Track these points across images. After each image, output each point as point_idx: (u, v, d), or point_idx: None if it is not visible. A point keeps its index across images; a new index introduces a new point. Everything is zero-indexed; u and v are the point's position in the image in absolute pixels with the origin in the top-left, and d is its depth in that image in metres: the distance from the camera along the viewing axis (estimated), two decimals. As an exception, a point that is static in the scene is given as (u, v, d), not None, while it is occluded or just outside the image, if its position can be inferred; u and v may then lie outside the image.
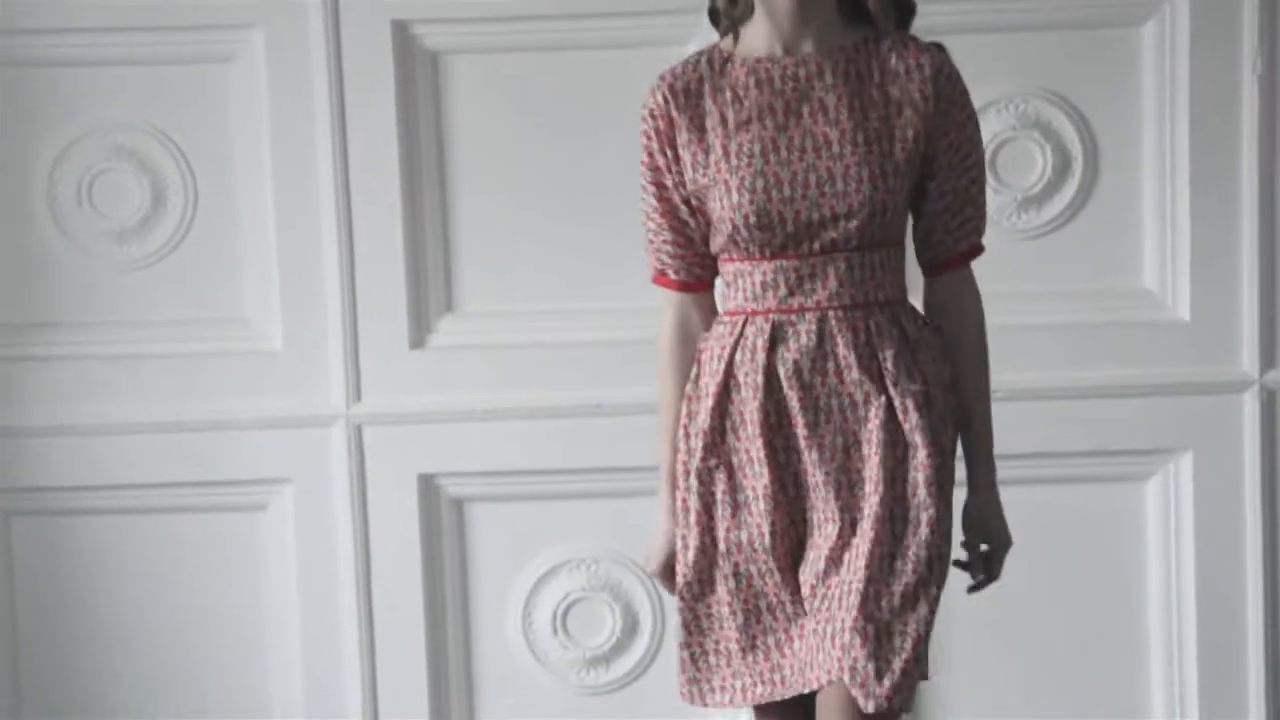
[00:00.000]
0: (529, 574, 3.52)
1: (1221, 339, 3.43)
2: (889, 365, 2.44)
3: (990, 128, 3.41)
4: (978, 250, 2.54)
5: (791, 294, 2.46)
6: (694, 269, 2.53)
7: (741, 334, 2.47)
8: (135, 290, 3.48)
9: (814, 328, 2.45)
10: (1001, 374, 3.39)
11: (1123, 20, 3.40)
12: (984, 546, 2.53)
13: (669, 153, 2.48)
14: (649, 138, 2.49)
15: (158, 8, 3.39)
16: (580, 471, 3.44)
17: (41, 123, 3.44)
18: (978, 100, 3.33)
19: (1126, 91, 3.41)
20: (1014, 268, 3.43)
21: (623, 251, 3.22)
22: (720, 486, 2.48)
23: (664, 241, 2.52)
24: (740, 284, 2.48)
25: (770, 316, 2.46)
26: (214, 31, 3.41)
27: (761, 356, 2.45)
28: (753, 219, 2.43)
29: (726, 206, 2.43)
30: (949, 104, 2.44)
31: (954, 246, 2.50)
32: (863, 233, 2.43)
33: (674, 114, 2.47)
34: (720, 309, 2.53)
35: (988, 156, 3.42)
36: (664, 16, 3.32)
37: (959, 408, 2.51)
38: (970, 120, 2.47)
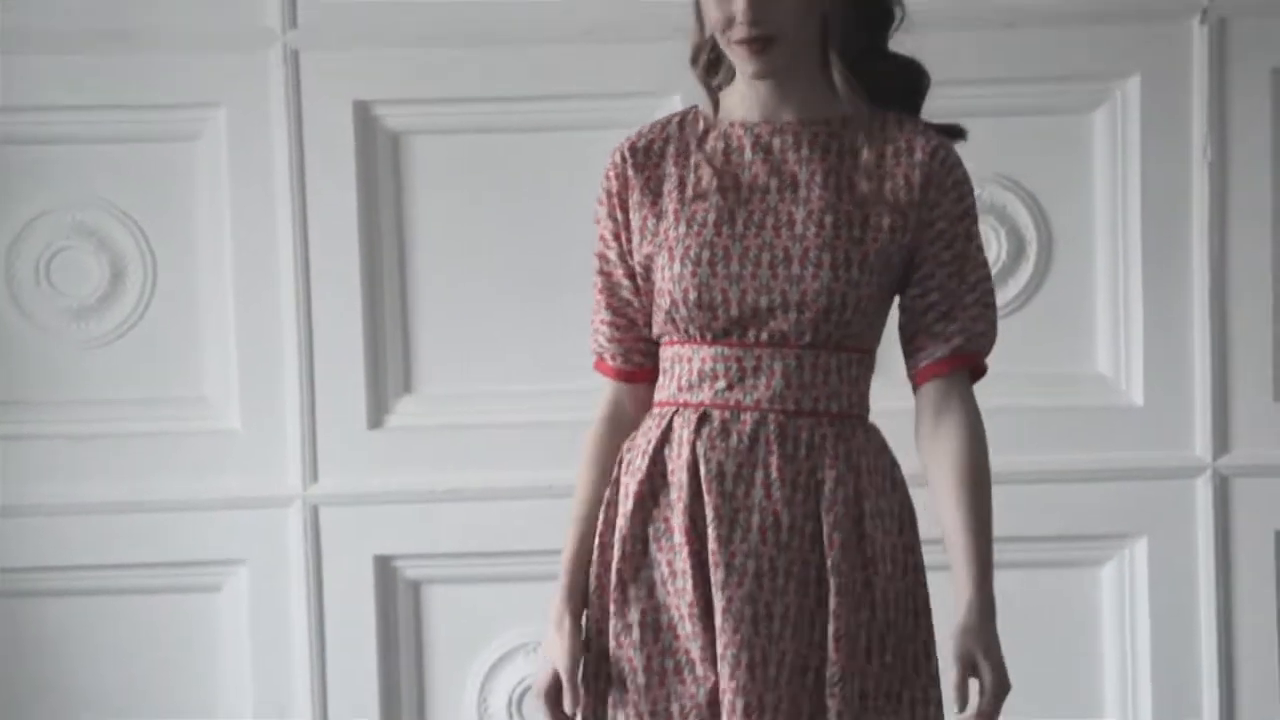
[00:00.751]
0: (485, 657, 3.50)
1: (1175, 424, 3.45)
2: (826, 489, 2.15)
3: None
4: (971, 359, 2.21)
5: (730, 387, 2.18)
6: (632, 356, 2.27)
7: (669, 427, 2.20)
8: (93, 369, 3.47)
9: (748, 429, 2.16)
10: (958, 456, 3.43)
11: (1074, 107, 3.44)
12: None
13: (619, 217, 2.24)
14: (600, 203, 2.27)
15: (122, 86, 3.40)
16: (538, 554, 3.42)
17: (0, 201, 3.44)
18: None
19: (1079, 177, 3.45)
20: (970, 351, 3.45)
21: (581, 333, 3.21)
22: (637, 608, 2.18)
23: (602, 322, 2.29)
24: (676, 371, 2.21)
25: (702, 409, 2.18)
26: (177, 110, 3.42)
27: (686, 452, 2.17)
28: (693, 294, 2.16)
29: (667, 278, 2.18)
30: (940, 193, 2.18)
31: (935, 351, 2.20)
32: (816, 327, 2.15)
33: (629, 174, 2.24)
34: (655, 399, 2.26)
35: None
36: (626, 99, 3.33)
37: (950, 549, 2.19)
38: (965, 214, 2.19)
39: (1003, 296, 3.45)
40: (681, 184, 2.21)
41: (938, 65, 3.31)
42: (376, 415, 3.46)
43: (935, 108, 3.35)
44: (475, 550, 3.45)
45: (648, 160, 2.24)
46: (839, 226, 2.16)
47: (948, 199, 2.19)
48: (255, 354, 3.44)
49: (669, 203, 2.21)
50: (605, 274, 2.27)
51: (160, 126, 3.42)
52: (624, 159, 2.24)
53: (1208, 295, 3.42)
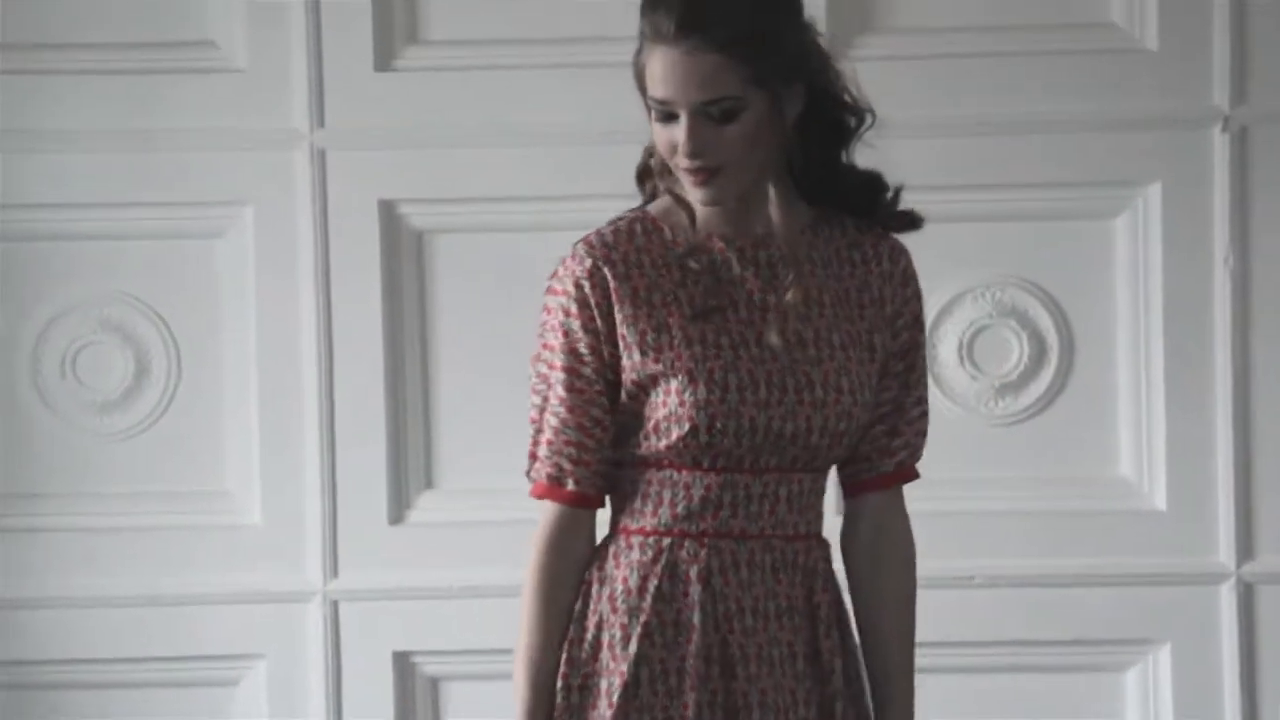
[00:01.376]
0: (503, 755, 3.49)
1: (1198, 529, 3.43)
2: (822, 612, 2.09)
3: (967, 315, 3.45)
4: (909, 475, 2.15)
5: (735, 515, 2.06)
6: (596, 479, 2.07)
7: (669, 562, 2.05)
8: (116, 462, 3.48)
9: (757, 559, 2.06)
10: (978, 560, 3.42)
11: (1096, 213, 3.45)
12: None
13: (599, 329, 2.04)
14: (567, 313, 2.06)
15: (150, 183, 3.44)
16: (556, 652, 3.43)
17: (27, 295, 3.47)
18: (954, 288, 3.43)
19: (1101, 281, 3.45)
20: (990, 454, 3.44)
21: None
22: None
23: (566, 443, 2.07)
24: (669, 496, 2.06)
25: (705, 541, 2.05)
26: (204, 208, 3.45)
27: (698, 590, 2.04)
28: (719, 423, 2.02)
29: (688, 403, 2.01)
30: (904, 304, 2.12)
31: (879, 464, 2.13)
32: (830, 452, 2.08)
33: (612, 283, 2.05)
34: (622, 524, 2.09)
35: (964, 342, 3.45)
36: (646, 199, 3.36)
37: (881, 664, 2.14)
38: (915, 323, 2.14)
39: (1024, 399, 3.46)
40: (677, 299, 2.06)
41: (963, 169, 3.41)
42: (398, 511, 3.47)
43: (959, 211, 3.40)
44: (494, 647, 3.40)
45: (628, 269, 2.06)
46: (847, 347, 2.08)
47: (908, 309, 2.13)
48: (277, 449, 3.45)
49: (669, 318, 2.05)
50: (575, 390, 2.06)
51: (187, 223, 3.46)
52: (598, 268, 2.05)
53: (1230, 399, 3.41)
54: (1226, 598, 3.43)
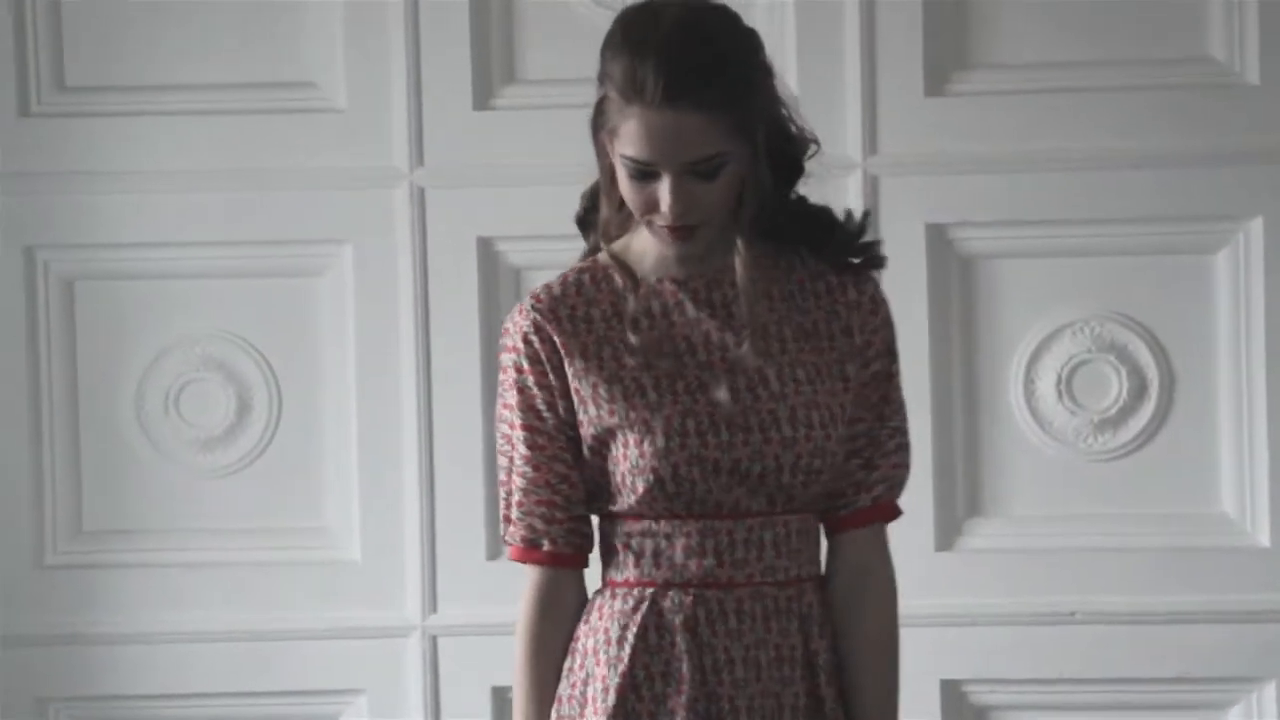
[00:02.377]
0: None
1: (1302, 566, 3.40)
2: (820, 660, 2.02)
3: (1066, 350, 3.43)
4: (890, 511, 2.06)
5: (720, 563, 1.99)
6: (573, 537, 2.04)
7: (652, 610, 1.99)
8: (217, 498, 3.51)
9: (746, 608, 1.99)
10: (1080, 597, 3.39)
11: (1197, 248, 3.42)
12: None
13: (553, 383, 2.01)
14: (520, 370, 2.03)
15: (251, 222, 3.47)
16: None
17: (132, 333, 3.51)
18: (1053, 323, 3.41)
19: (1202, 317, 3.42)
20: (1090, 490, 3.42)
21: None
22: None
23: (537, 503, 2.03)
24: (649, 547, 2.00)
25: (691, 591, 1.99)
26: (305, 246, 3.48)
27: (684, 640, 1.98)
28: (683, 469, 1.95)
29: (648, 453, 1.96)
30: (871, 334, 2.04)
31: (855, 501, 2.04)
32: (807, 489, 2.00)
33: (556, 338, 2.01)
34: (609, 576, 2.05)
35: (1063, 377, 3.43)
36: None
37: (860, 708, 2.04)
38: (886, 351, 2.06)
39: (1124, 436, 3.43)
40: (628, 347, 2.01)
41: (1063, 204, 3.39)
42: (495, 546, 3.48)
43: (1059, 246, 3.39)
44: (591, 684, 3.45)
45: (575, 324, 2.03)
46: (814, 380, 2.01)
47: (877, 338, 2.05)
48: (376, 485, 3.47)
49: (619, 370, 2.00)
50: (538, 447, 2.02)
51: (288, 262, 3.48)
52: (541, 324, 2.03)
53: (1335, 436, 3.38)
54: (1337, 635, 3.39)
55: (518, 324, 2.05)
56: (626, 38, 1.96)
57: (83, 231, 3.49)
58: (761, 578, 2.00)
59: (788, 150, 2.03)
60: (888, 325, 2.07)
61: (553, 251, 3.45)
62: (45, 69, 3.49)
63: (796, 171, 2.06)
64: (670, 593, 2.00)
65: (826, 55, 3.42)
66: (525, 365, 2.04)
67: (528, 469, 2.04)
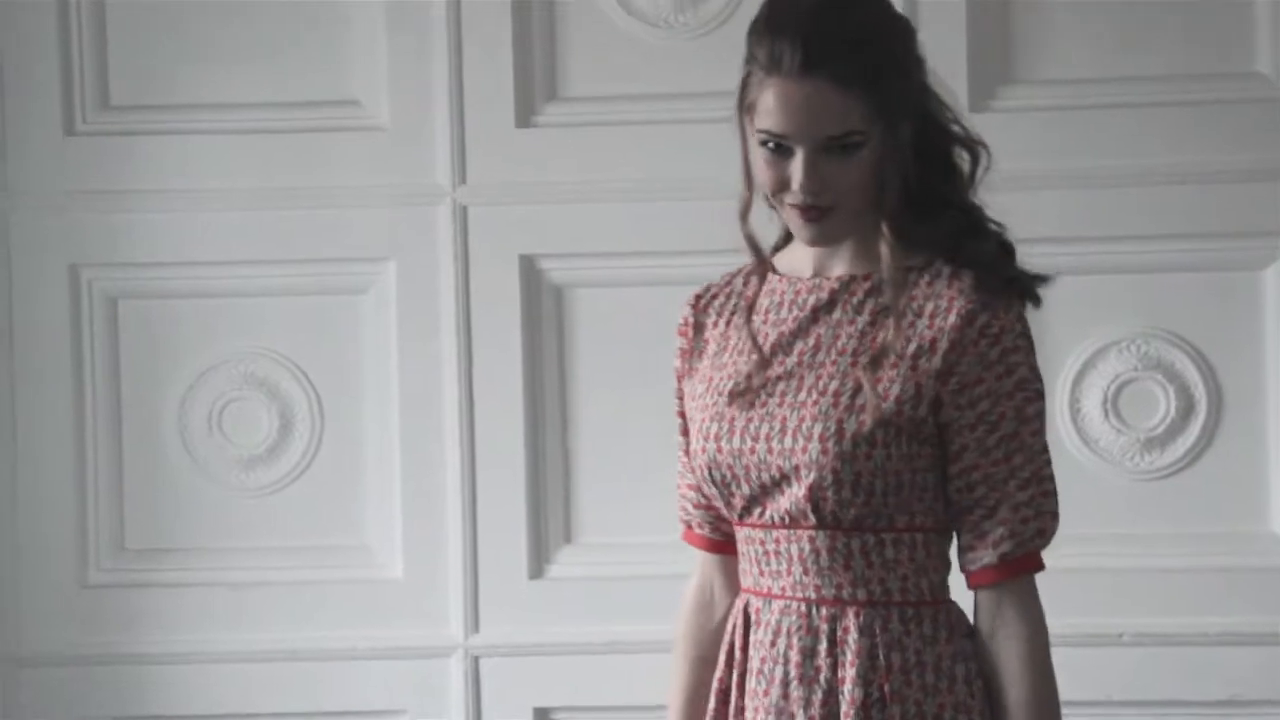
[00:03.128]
0: (643, 812, 3.47)
1: (1353, 582, 3.37)
2: (845, 689, 1.92)
3: (1112, 368, 3.40)
4: (1021, 566, 1.91)
5: (761, 573, 1.97)
6: (721, 525, 2.06)
7: (740, 618, 2.01)
8: (259, 516, 3.51)
9: (774, 620, 1.96)
10: (1128, 618, 3.37)
11: (1244, 264, 3.40)
12: None
13: (685, 379, 2.09)
14: (677, 357, 2.12)
15: (294, 240, 3.48)
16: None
17: (175, 352, 3.52)
18: (1099, 340, 3.39)
19: (1250, 335, 3.40)
20: (1137, 510, 3.39)
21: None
22: None
23: (687, 486, 2.08)
24: (741, 551, 2.01)
25: (746, 597, 2.00)
26: (348, 264, 3.49)
27: (738, 651, 2.00)
28: (705, 471, 1.97)
29: (693, 453, 2.01)
30: (974, 365, 1.90)
31: (981, 556, 1.91)
32: (816, 506, 1.91)
33: (691, 333, 2.10)
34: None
35: (1109, 396, 3.40)
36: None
37: None
38: (1015, 390, 1.90)
39: (1171, 455, 3.40)
40: (720, 346, 2.04)
41: (1109, 221, 3.37)
42: (537, 565, 3.48)
43: (1103, 263, 3.37)
44: (635, 704, 3.42)
45: (705, 317, 2.08)
46: (840, 394, 1.92)
47: (990, 373, 1.90)
48: (418, 504, 3.47)
49: (705, 365, 2.05)
50: (685, 433, 2.08)
51: (331, 280, 3.49)
52: (690, 315, 2.10)
53: (1384, 453, 3.35)
54: (1382, 657, 3.35)
55: (681, 314, 2.11)
56: (771, 14, 1.96)
57: (127, 250, 3.50)
58: (792, 593, 1.95)
59: (940, 146, 1.98)
60: (1004, 358, 1.90)
61: (594, 269, 3.48)
62: (90, 88, 3.51)
63: (950, 171, 1.99)
64: (749, 599, 2.01)
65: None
66: (677, 353, 2.10)
67: (680, 452, 2.09)
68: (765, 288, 2.04)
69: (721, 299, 2.08)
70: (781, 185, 1.94)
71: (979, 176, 2.01)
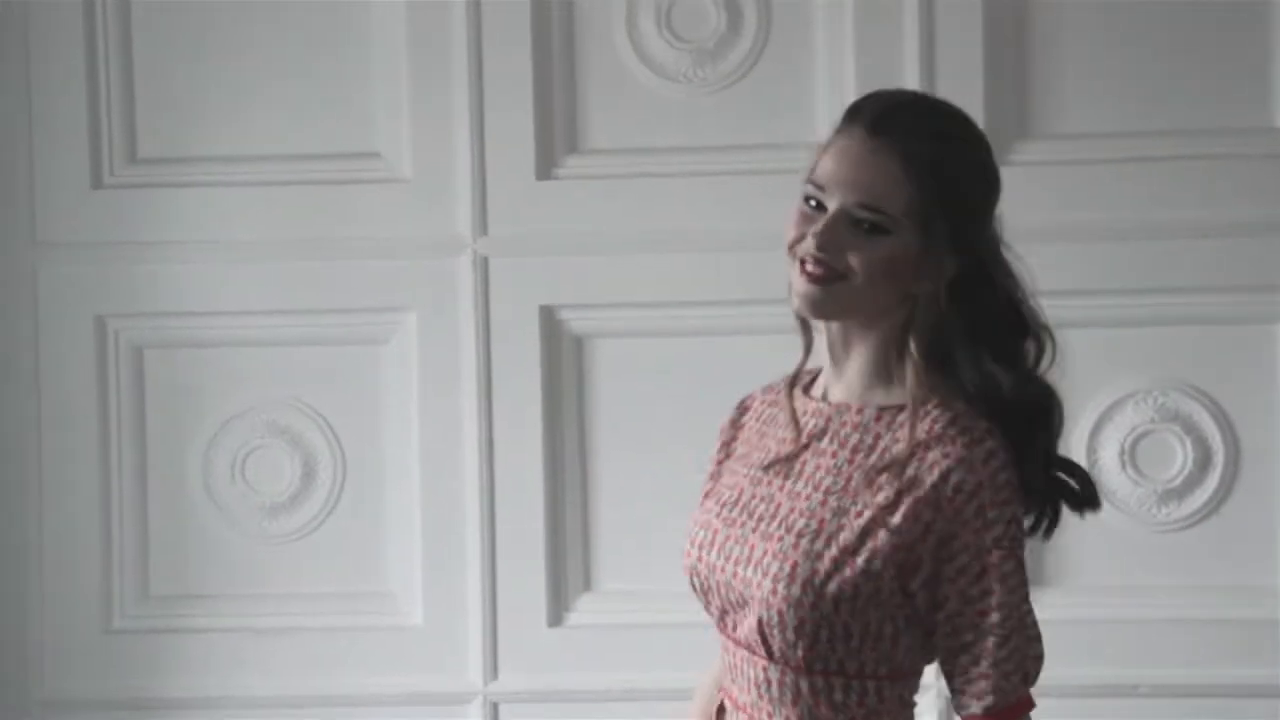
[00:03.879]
0: None
1: (1370, 639, 3.36)
2: None
3: (1129, 420, 3.41)
4: (1007, 716, 1.87)
5: (732, 681, 1.97)
6: None
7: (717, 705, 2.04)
8: (281, 564, 3.53)
9: None
10: (1142, 669, 3.36)
11: (1262, 317, 3.41)
12: None
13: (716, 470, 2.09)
14: (716, 448, 2.12)
15: (317, 291, 3.50)
16: (715, 757, 3.41)
17: (199, 401, 3.54)
18: (1116, 392, 3.40)
19: (1267, 387, 3.40)
20: (1155, 561, 3.39)
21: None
22: None
23: None
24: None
25: (722, 699, 2.01)
26: (370, 314, 3.51)
27: None
28: (686, 575, 1.99)
29: (681, 552, 2.01)
30: (952, 523, 1.83)
31: (967, 704, 1.87)
32: (764, 640, 1.88)
33: (729, 433, 2.09)
34: None
35: (1126, 448, 3.41)
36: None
37: None
38: (995, 545, 1.84)
39: (1187, 508, 3.41)
40: (730, 452, 2.05)
41: (1127, 274, 3.38)
42: (557, 613, 3.49)
43: (1121, 316, 3.37)
44: (652, 752, 3.45)
45: (746, 418, 2.08)
46: (802, 535, 1.87)
47: (967, 530, 1.84)
48: (439, 551, 3.48)
49: (720, 470, 2.06)
50: None
51: (353, 330, 3.51)
52: (734, 417, 2.09)
53: (1402, 507, 3.35)
54: (1404, 706, 3.35)
55: (730, 414, 2.11)
56: (875, 91, 1.96)
57: (152, 300, 3.53)
58: (751, 711, 1.93)
59: (991, 310, 1.91)
60: (980, 514, 1.84)
61: (614, 320, 3.50)
62: (118, 142, 3.54)
63: (1000, 341, 1.91)
64: (724, 702, 2.01)
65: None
66: (718, 444, 2.09)
67: None
68: (785, 400, 2.01)
69: (761, 403, 2.06)
70: (800, 235, 1.90)
71: (1044, 365, 1.95)
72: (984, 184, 1.93)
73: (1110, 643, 3.37)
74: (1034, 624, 1.89)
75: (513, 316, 3.47)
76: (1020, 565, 1.87)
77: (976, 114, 3.36)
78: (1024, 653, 1.87)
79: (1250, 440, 3.40)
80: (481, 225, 3.48)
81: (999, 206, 1.97)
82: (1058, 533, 1.99)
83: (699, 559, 1.96)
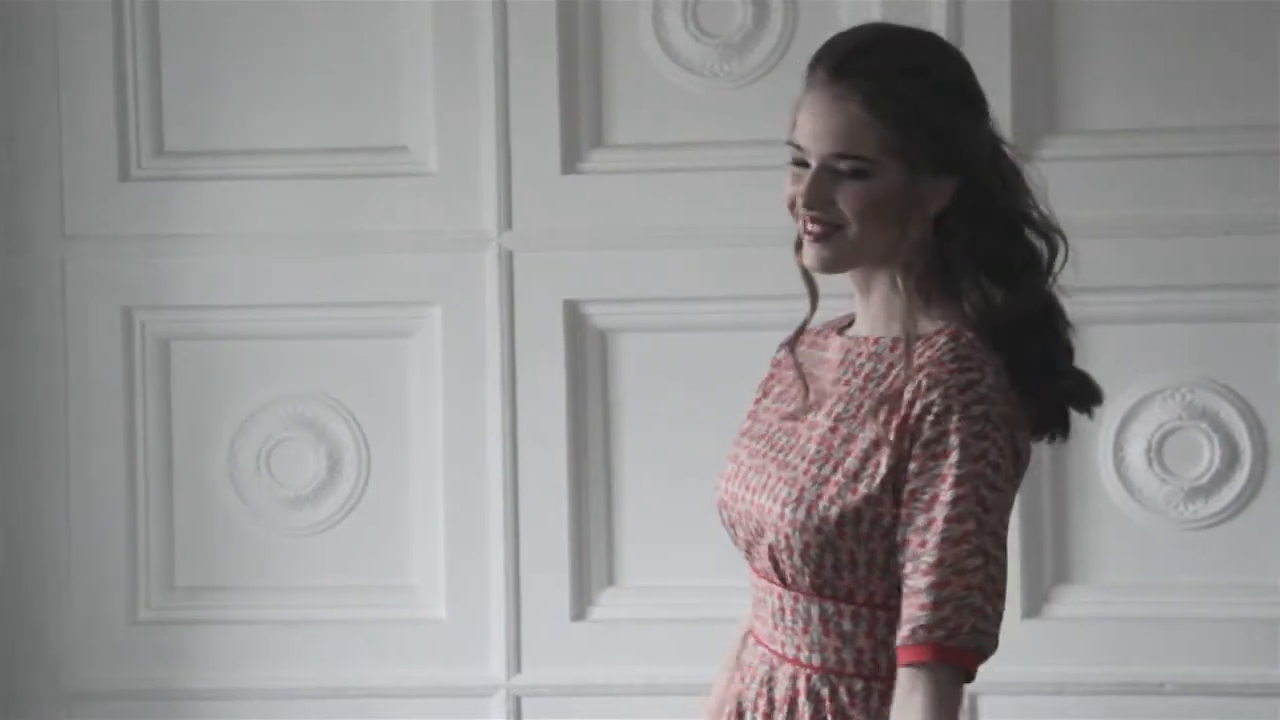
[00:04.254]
0: None
1: (1401, 637, 3.35)
2: None
3: (1156, 417, 3.40)
4: (912, 656, 1.78)
5: (757, 615, 1.98)
6: None
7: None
8: (305, 556, 3.54)
9: (755, 664, 1.98)
10: (1170, 667, 3.35)
11: (1288, 314, 3.40)
12: None
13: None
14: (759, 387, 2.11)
15: (343, 285, 3.51)
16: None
17: (225, 393, 3.56)
18: (1143, 389, 3.38)
19: (1294, 384, 3.40)
20: (1181, 559, 3.38)
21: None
22: None
23: None
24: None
25: (746, 635, 2.05)
26: (395, 308, 3.51)
27: (736, 680, 2.03)
28: (716, 506, 2.01)
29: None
30: (916, 445, 1.82)
31: (901, 631, 1.81)
32: (776, 565, 1.90)
33: (771, 370, 2.10)
34: None
35: (1153, 444, 3.40)
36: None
37: None
38: (955, 465, 1.80)
39: (1215, 505, 3.40)
40: (767, 392, 2.06)
41: (1152, 270, 3.37)
42: (580, 607, 3.49)
43: (1147, 312, 3.36)
44: (674, 746, 3.44)
45: (780, 359, 2.09)
46: (813, 462, 1.89)
47: (925, 453, 1.82)
48: (463, 545, 3.49)
49: (756, 410, 2.06)
50: None
51: (378, 323, 3.52)
52: (777, 354, 2.10)
53: None
54: None
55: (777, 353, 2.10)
56: (831, 37, 1.97)
57: (179, 293, 3.55)
58: (769, 643, 1.95)
59: (1001, 222, 1.91)
60: (942, 439, 1.81)
61: (639, 314, 3.50)
62: (145, 135, 3.56)
63: (1011, 250, 1.91)
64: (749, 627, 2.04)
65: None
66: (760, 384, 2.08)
67: None
68: (812, 335, 2.04)
69: (804, 348, 2.05)
70: (793, 201, 1.93)
71: (1056, 269, 1.94)
72: (957, 102, 1.92)
73: (1136, 641, 3.36)
74: (986, 578, 1.79)
75: (537, 311, 3.47)
76: (979, 505, 1.80)
77: (1004, 110, 3.38)
78: (962, 600, 1.78)
79: (1277, 437, 3.39)
80: (506, 220, 3.49)
81: (988, 119, 1.96)
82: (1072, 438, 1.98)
83: (725, 491, 1.98)
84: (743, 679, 2.00)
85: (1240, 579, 3.38)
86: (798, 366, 2.00)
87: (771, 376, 2.08)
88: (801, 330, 2.07)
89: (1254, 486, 3.40)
